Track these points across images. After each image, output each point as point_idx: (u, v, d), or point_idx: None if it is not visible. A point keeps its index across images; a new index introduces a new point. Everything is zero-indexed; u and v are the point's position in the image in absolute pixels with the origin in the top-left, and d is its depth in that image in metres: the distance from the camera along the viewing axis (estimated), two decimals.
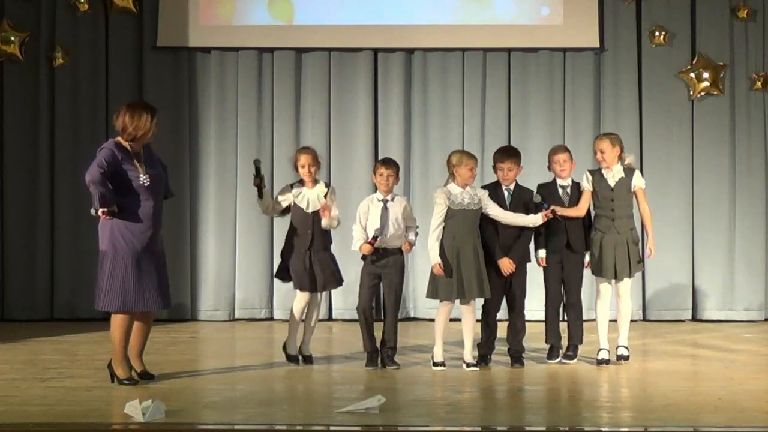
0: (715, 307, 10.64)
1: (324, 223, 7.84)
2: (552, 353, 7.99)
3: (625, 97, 10.71)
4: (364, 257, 7.83)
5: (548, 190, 7.96)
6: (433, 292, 7.76)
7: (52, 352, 8.64)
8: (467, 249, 7.65)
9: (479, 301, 7.89)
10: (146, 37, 10.75)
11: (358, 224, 7.87)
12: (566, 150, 8.07)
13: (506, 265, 7.75)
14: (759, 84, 10.65)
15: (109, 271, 7.04)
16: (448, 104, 10.77)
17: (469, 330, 7.76)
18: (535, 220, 7.77)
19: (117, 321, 7.11)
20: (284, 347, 8.02)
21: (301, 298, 7.94)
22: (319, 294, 7.98)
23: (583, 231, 7.94)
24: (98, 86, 10.72)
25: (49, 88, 10.71)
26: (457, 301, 7.77)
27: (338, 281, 8.06)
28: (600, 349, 7.87)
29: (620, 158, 7.90)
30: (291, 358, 7.98)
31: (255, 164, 7.96)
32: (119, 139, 7.19)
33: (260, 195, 7.95)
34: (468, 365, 7.72)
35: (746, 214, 10.66)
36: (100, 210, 7.02)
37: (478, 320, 7.92)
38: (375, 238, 7.73)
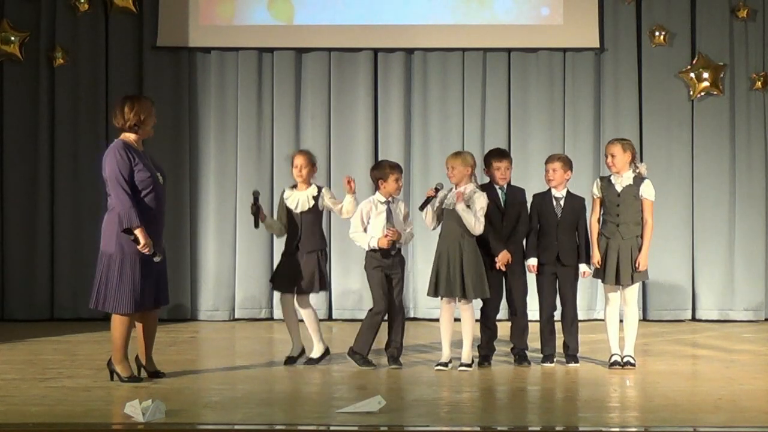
0: (715, 307, 10.63)
1: (347, 202, 7.82)
2: (547, 360, 7.96)
3: (625, 97, 10.71)
4: (378, 250, 7.72)
5: (542, 200, 7.95)
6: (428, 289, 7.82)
7: (52, 352, 8.64)
8: (453, 248, 7.64)
9: (479, 303, 7.88)
10: (146, 37, 10.74)
11: (359, 224, 7.87)
12: (558, 159, 7.94)
13: (503, 257, 7.75)
14: (759, 84, 10.65)
15: (125, 273, 6.98)
16: (448, 104, 10.76)
17: (467, 330, 7.73)
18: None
19: (118, 321, 7.09)
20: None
21: (281, 300, 7.98)
22: (306, 296, 7.91)
23: (575, 244, 7.91)
24: (98, 86, 10.71)
25: (49, 88, 10.70)
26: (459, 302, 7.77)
27: (321, 286, 7.95)
28: (612, 355, 7.82)
29: (633, 165, 7.81)
30: (288, 360, 7.96)
31: (254, 194, 7.97)
32: (124, 137, 7.12)
33: (256, 225, 7.96)
34: (461, 365, 7.70)
35: (746, 214, 10.65)
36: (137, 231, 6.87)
37: (478, 320, 7.91)
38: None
